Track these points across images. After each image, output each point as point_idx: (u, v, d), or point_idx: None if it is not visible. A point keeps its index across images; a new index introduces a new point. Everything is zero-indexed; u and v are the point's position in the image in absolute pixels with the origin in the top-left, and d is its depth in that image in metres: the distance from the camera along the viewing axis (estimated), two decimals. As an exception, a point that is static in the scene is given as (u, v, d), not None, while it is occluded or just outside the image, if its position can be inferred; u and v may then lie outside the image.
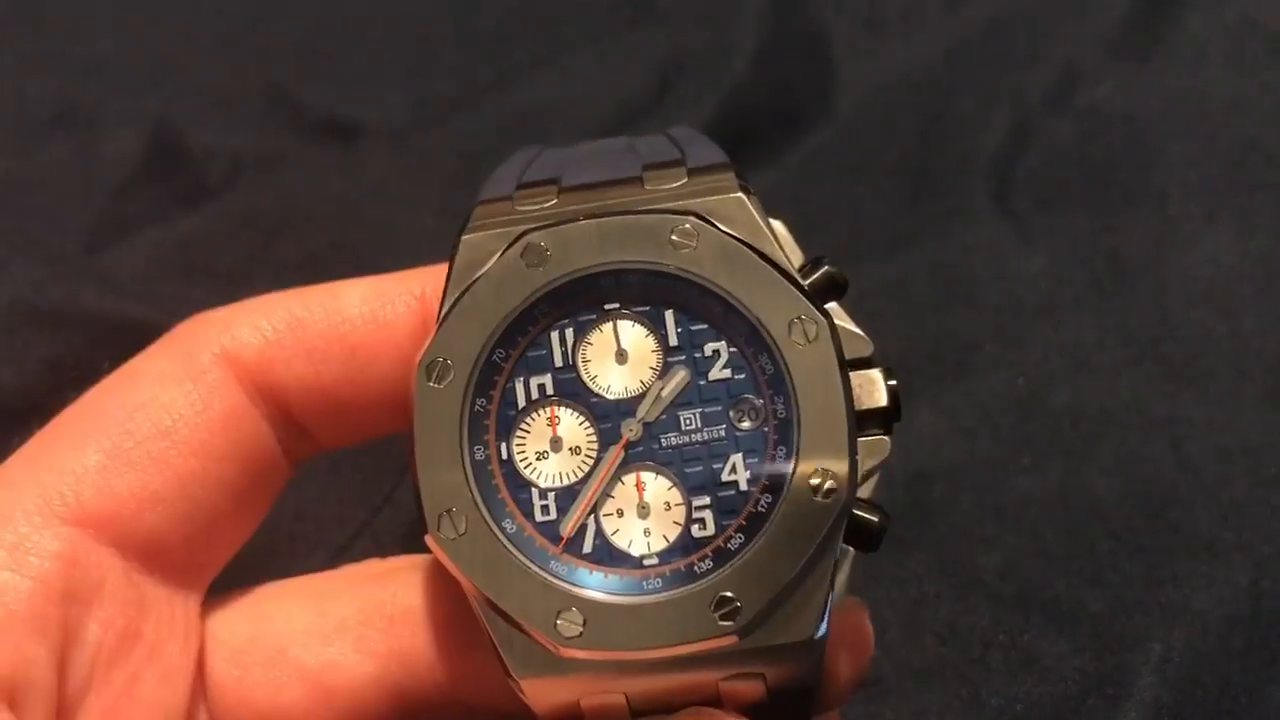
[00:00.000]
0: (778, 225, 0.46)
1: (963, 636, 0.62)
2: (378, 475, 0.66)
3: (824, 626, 0.42)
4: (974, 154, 0.77)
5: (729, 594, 0.42)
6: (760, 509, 0.43)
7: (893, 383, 0.44)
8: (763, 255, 0.43)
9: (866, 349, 0.45)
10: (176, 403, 0.45)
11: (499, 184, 0.47)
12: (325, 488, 0.66)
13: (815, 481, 0.42)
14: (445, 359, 0.43)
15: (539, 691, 0.43)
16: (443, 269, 0.46)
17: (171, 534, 0.45)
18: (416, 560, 0.48)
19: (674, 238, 0.43)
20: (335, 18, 0.82)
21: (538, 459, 0.44)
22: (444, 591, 0.46)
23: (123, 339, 0.67)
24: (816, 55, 0.80)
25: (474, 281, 0.44)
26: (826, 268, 0.44)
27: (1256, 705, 0.59)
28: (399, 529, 0.65)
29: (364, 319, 0.47)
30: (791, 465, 0.42)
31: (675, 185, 0.45)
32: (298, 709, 0.46)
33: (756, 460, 0.43)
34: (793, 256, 0.45)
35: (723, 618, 0.41)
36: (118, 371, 0.47)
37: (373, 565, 0.50)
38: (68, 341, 0.67)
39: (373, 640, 0.46)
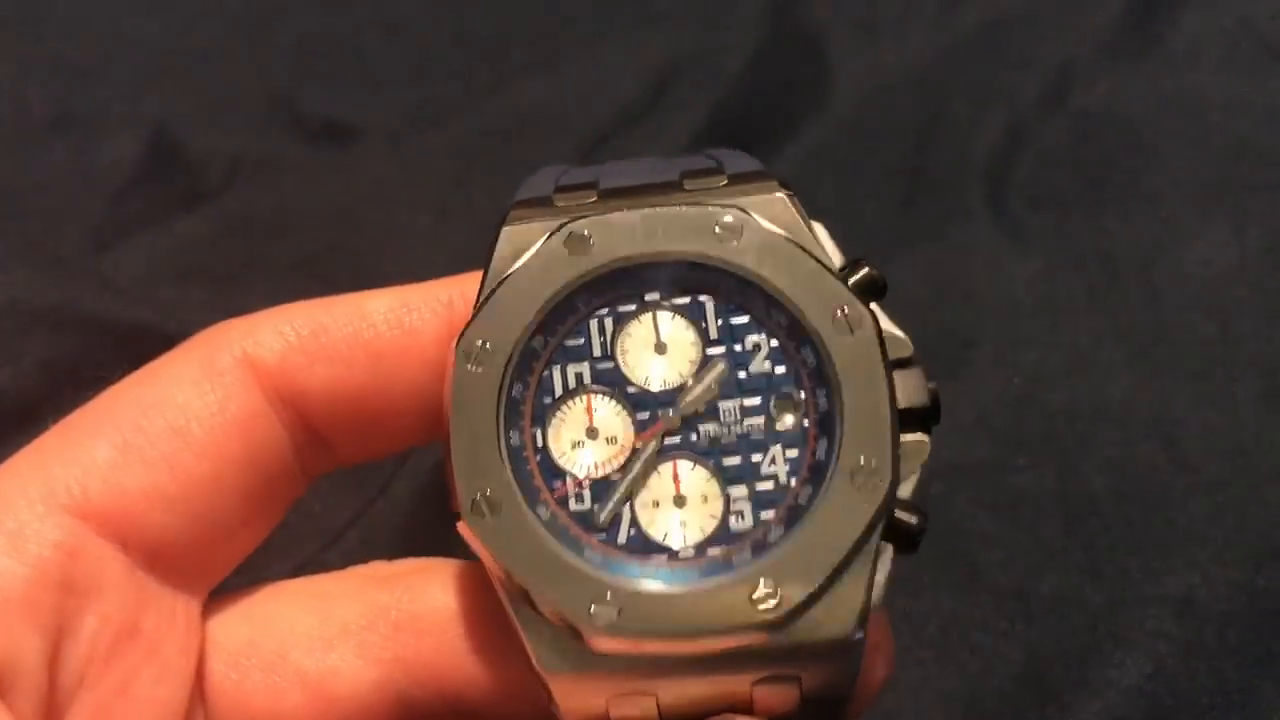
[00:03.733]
0: (818, 228, 0.45)
1: (962, 634, 0.62)
2: (373, 466, 0.66)
3: (862, 628, 0.41)
4: (970, 155, 0.77)
5: (768, 585, 0.41)
6: (800, 501, 0.42)
7: (933, 384, 0.44)
8: (807, 251, 0.43)
9: (906, 350, 0.44)
10: (192, 403, 0.44)
11: (535, 188, 0.46)
12: (320, 478, 0.66)
13: (857, 475, 0.41)
14: (484, 343, 0.43)
15: (567, 692, 0.42)
16: (468, 278, 0.46)
17: (178, 535, 0.44)
18: (422, 564, 0.48)
19: (718, 230, 0.43)
20: (332, 21, 0.82)
21: (573, 447, 0.43)
22: (451, 596, 0.46)
23: (121, 341, 0.67)
24: (813, 56, 0.81)
25: (515, 268, 0.43)
26: (867, 269, 0.44)
27: (1251, 701, 0.59)
28: (393, 520, 0.65)
29: (389, 325, 0.46)
30: (833, 458, 0.42)
31: (717, 188, 0.44)
32: (298, 715, 0.45)
33: (797, 452, 0.43)
34: (834, 258, 0.44)
35: (761, 608, 0.41)
36: (137, 371, 0.46)
37: (377, 568, 0.49)
38: (66, 344, 0.67)
39: (376, 646, 0.45)
